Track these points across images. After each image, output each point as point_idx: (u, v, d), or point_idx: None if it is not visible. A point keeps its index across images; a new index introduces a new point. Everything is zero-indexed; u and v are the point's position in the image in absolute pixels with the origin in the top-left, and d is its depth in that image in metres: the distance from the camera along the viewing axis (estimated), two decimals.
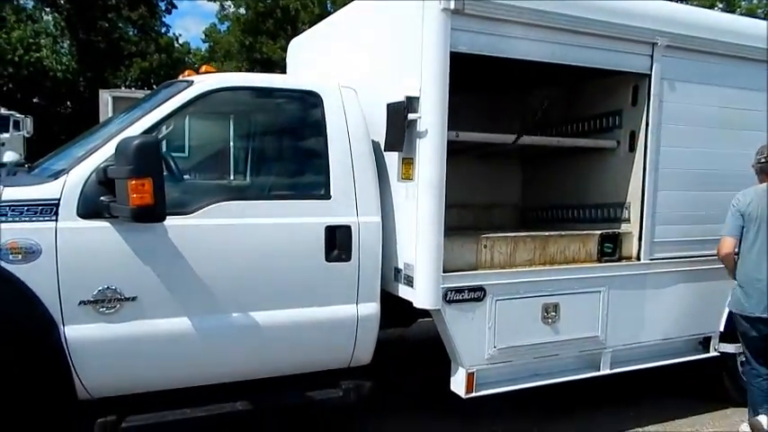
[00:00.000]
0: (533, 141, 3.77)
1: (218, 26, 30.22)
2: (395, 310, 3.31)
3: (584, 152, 4.07)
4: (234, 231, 2.86)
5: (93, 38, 25.87)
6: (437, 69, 2.96)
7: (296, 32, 8.97)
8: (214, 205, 2.85)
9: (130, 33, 28.32)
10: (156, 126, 2.82)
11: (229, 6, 27.96)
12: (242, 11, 27.88)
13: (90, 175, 2.64)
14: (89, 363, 2.64)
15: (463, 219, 4.54)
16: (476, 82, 4.22)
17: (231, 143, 3.79)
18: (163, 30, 30.68)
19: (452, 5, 2.93)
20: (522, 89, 4.61)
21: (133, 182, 2.41)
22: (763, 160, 3.63)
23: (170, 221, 2.69)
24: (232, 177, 3.85)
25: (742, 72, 3.83)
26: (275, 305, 2.97)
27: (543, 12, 3.17)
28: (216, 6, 29.01)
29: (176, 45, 31.93)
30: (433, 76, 2.97)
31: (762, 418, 3.60)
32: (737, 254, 3.63)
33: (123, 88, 22.95)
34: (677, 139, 3.70)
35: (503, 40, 3.13)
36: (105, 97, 12.44)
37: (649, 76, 3.58)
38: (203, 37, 33.49)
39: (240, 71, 27.50)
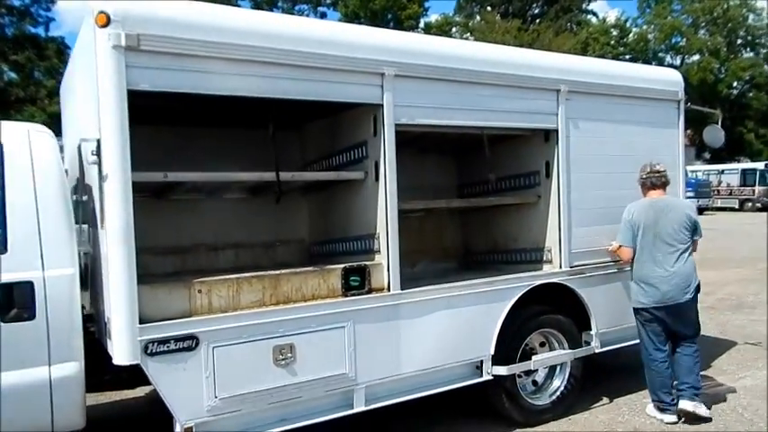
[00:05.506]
0: (266, 178, 3.61)
1: None
2: None
3: (342, 184, 4.01)
4: None
5: None
6: (114, 109, 2.79)
7: None
8: None
9: (19, 78, 27.04)
10: None
11: None
12: None
13: None
14: None
15: (240, 259, 4.38)
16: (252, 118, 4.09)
17: None
18: None
19: (124, 42, 2.77)
20: (292, 125, 4.51)
21: None
22: (644, 176, 4.31)
23: None
24: None
25: (479, 93, 3.89)
26: None
27: (237, 45, 3.04)
28: None
29: None
30: (111, 116, 2.79)
31: (648, 408, 4.36)
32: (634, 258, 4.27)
33: None
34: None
35: (195, 75, 2.98)
36: None
37: (382, 105, 3.56)
38: None
39: None
